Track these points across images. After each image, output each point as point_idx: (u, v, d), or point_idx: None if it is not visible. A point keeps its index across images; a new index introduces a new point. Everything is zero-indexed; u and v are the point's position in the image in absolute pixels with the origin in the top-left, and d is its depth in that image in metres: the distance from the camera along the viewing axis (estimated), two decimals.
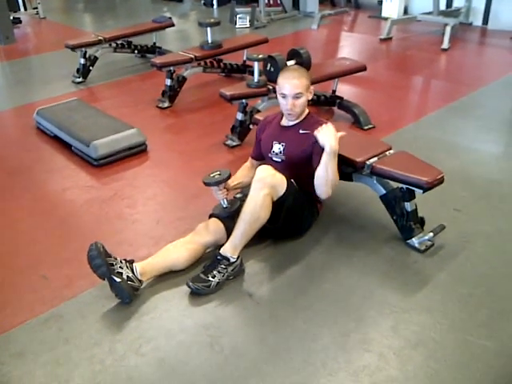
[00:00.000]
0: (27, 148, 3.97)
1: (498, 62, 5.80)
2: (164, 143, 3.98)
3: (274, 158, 2.68)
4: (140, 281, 2.32)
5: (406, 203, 2.57)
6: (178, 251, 2.46)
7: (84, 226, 2.93)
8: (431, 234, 2.57)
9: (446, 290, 2.33)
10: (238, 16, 7.52)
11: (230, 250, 2.39)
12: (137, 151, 3.73)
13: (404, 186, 2.53)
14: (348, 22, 8.03)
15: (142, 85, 5.32)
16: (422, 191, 2.45)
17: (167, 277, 2.45)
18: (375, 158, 2.65)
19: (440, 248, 2.60)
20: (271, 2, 8.45)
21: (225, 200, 2.57)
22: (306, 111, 2.68)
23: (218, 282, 2.35)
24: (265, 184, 2.35)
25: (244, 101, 3.72)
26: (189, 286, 2.33)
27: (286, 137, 2.66)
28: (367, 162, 2.62)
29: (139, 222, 2.95)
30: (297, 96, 2.53)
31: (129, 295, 2.26)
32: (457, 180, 3.15)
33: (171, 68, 4.56)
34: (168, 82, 4.60)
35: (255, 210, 2.34)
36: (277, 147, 2.67)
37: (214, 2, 8.91)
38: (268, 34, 5.60)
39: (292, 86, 2.52)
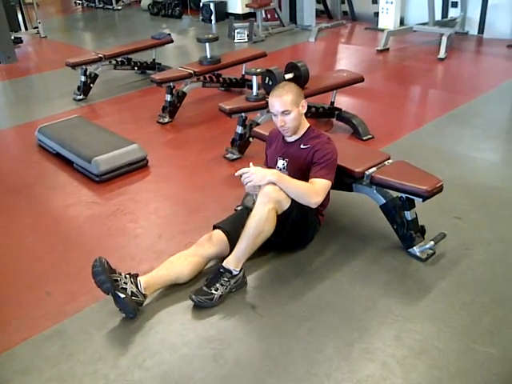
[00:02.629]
0: (29, 165, 4.00)
1: (495, 70, 5.84)
2: (165, 158, 4.01)
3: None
4: (144, 295, 2.33)
5: (406, 212, 2.58)
6: (182, 264, 2.47)
7: (87, 242, 2.95)
8: (432, 243, 2.58)
9: (449, 298, 2.34)
10: (236, 31, 7.58)
11: (232, 262, 2.39)
12: (138, 166, 3.75)
13: (403, 195, 2.54)
14: (345, 35, 8.10)
15: (142, 101, 5.37)
16: (421, 200, 2.47)
17: (170, 291, 2.46)
18: (374, 168, 2.67)
19: (441, 256, 2.61)
20: (269, 16, 8.52)
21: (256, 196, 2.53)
22: (306, 125, 2.69)
23: (221, 295, 2.36)
24: (270, 198, 2.36)
25: (243, 114, 3.75)
26: (192, 299, 2.34)
27: (289, 153, 2.69)
28: (366, 172, 2.64)
29: (141, 236, 2.96)
30: (285, 113, 2.55)
31: (133, 310, 2.27)
32: (456, 188, 3.16)
33: (171, 84, 4.60)
34: (168, 97, 4.64)
35: (259, 224, 2.35)
36: (281, 163, 2.71)
37: (213, 18, 9.00)
38: (266, 48, 5.65)
39: (278, 104, 2.55)
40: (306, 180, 2.52)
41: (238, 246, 2.40)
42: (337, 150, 2.60)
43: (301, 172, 2.59)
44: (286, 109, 2.53)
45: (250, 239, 2.37)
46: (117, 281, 2.27)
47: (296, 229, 2.57)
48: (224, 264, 2.41)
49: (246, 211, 2.54)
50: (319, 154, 2.55)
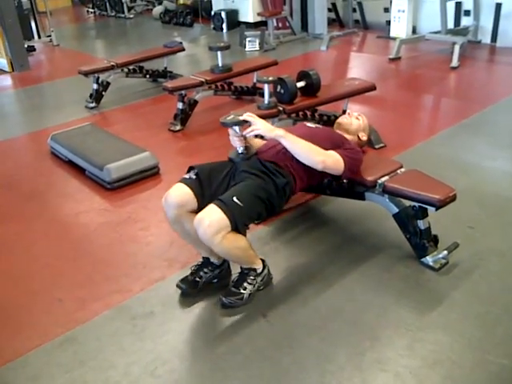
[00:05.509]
0: (42, 172, 4.03)
1: (508, 79, 5.80)
2: (176, 166, 4.00)
3: (308, 124, 2.85)
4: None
5: (418, 221, 2.56)
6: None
7: (98, 249, 2.96)
8: (445, 252, 2.56)
9: (462, 308, 2.31)
10: (247, 39, 7.60)
11: (248, 265, 2.42)
12: (149, 174, 3.76)
13: (416, 204, 2.52)
14: (357, 43, 8.09)
15: (153, 109, 5.39)
16: (434, 209, 2.45)
17: (180, 299, 2.47)
18: (387, 177, 2.65)
19: (454, 266, 2.58)
20: (280, 24, 8.54)
21: (241, 146, 2.53)
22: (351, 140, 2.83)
23: (250, 293, 2.40)
24: (211, 239, 2.17)
25: None
26: (222, 302, 2.38)
27: (324, 127, 2.92)
28: (379, 181, 2.63)
29: (153, 244, 2.97)
30: (356, 117, 2.94)
31: None
32: (469, 197, 3.14)
33: (183, 92, 4.62)
34: (180, 105, 4.65)
35: (227, 254, 2.31)
36: (312, 124, 2.88)
37: (224, 26, 9.04)
38: (277, 57, 5.66)
39: (358, 114, 2.97)
40: (322, 143, 2.57)
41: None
42: (361, 159, 2.69)
43: (321, 142, 2.57)
44: (359, 116, 2.93)
45: (237, 261, 2.42)
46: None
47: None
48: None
49: (230, 163, 2.57)
50: (347, 145, 2.66)
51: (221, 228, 2.17)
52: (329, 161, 2.48)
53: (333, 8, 8.71)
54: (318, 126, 2.84)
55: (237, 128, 2.49)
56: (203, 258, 2.55)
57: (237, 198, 2.25)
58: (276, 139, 2.47)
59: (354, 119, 2.92)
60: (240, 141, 2.52)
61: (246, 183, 2.37)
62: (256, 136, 2.66)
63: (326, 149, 2.54)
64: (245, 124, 2.49)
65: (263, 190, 2.35)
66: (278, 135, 2.43)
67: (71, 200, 3.55)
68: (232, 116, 2.51)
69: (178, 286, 2.50)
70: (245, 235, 2.31)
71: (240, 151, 2.54)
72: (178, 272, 2.66)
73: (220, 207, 2.19)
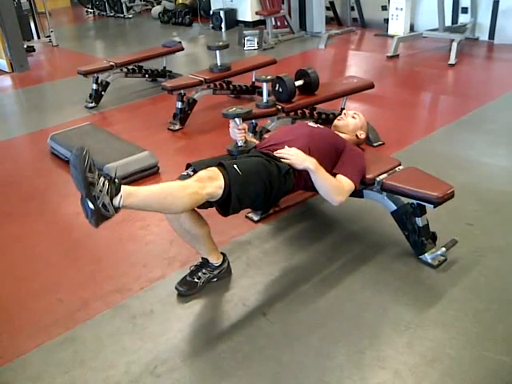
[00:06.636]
0: (41, 173, 4.03)
1: (506, 75, 5.81)
2: (176, 165, 4.00)
3: (310, 124, 2.82)
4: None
5: (417, 219, 2.57)
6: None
7: (98, 249, 2.97)
8: (444, 249, 2.56)
9: (461, 305, 2.32)
10: (246, 38, 7.61)
11: (126, 200, 1.98)
12: (149, 173, 3.77)
13: (415, 202, 2.53)
14: (355, 41, 8.10)
15: (153, 108, 5.40)
16: (432, 206, 2.46)
17: (180, 298, 2.48)
18: (385, 175, 2.66)
19: (453, 263, 2.59)
20: (278, 23, 8.55)
21: (241, 139, 2.54)
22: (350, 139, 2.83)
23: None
24: (203, 187, 2.08)
25: (254, 121, 3.76)
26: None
27: (326, 128, 2.84)
28: (377, 179, 2.64)
29: (152, 243, 2.97)
30: (352, 115, 2.93)
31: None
32: (468, 194, 3.15)
33: (182, 91, 4.62)
34: (179, 104, 4.66)
35: (179, 194, 2.05)
36: (313, 123, 2.85)
37: (223, 26, 9.05)
38: (276, 55, 5.68)
39: (353, 112, 2.96)
40: (321, 148, 2.55)
41: (143, 188, 2.07)
42: (365, 162, 2.69)
43: (322, 143, 2.58)
44: (355, 115, 2.92)
45: (160, 193, 2.09)
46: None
47: (245, 197, 2.26)
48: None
49: (228, 156, 2.54)
50: (348, 148, 2.65)
51: (215, 192, 2.09)
52: (344, 198, 2.49)
53: (331, 6, 8.72)
54: (319, 126, 2.84)
55: (238, 120, 2.51)
56: (202, 258, 2.55)
57: (237, 166, 2.21)
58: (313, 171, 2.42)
59: (350, 118, 2.92)
60: (240, 133, 2.53)
61: (249, 158, 2.38)
62: (258, 134, 2.64)
63: (327, 152, 2.56)
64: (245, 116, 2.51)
65: (265, 169, 2.30)
66: (309, 168, 2.40)
67: (71, 200, 3.54)
68: (234, 108, 2.53)
69: (176, 288, 2.50)
70: (226, 213, 2.28)
71: (239, 144, 2.56)
72: (178, 270, 2.67)
73: (219, 169, 2.16)
